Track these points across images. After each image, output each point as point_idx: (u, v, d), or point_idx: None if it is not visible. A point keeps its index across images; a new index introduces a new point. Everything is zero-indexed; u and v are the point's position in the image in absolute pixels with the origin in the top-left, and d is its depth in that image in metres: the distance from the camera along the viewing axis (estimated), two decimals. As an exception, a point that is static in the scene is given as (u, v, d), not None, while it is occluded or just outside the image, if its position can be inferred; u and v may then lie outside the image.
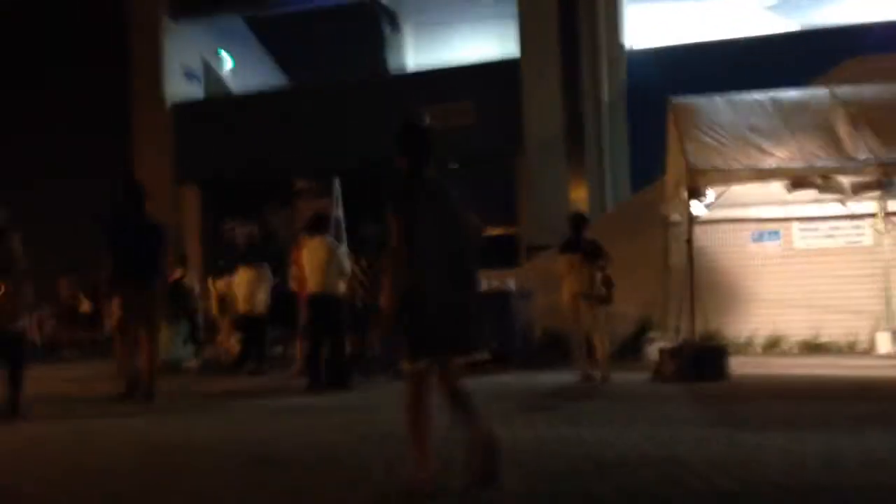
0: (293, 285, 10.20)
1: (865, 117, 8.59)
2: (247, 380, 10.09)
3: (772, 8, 19.17)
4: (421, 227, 3.64)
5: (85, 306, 14.86)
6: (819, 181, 8.30)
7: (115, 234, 7.59)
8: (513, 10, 16.88)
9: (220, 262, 12.14)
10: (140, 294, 7.41)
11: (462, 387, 3.73)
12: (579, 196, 15.57)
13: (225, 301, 12.01)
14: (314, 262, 8.84)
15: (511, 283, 11.02)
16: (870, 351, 10.19)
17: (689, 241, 8.54)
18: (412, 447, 3.70)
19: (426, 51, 20.83)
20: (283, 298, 10.96)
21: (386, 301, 3.74)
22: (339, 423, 6.14)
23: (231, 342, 12.08)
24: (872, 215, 10.26)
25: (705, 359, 8.16)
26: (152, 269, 7.51)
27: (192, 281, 12.68)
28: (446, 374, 3.70)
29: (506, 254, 16.26)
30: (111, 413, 7.28)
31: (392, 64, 20.47)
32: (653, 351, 9.63)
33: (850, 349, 10.37)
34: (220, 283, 12.26)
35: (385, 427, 5.88)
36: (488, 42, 19.75)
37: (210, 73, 20.20)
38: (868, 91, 9.14)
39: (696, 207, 8.68)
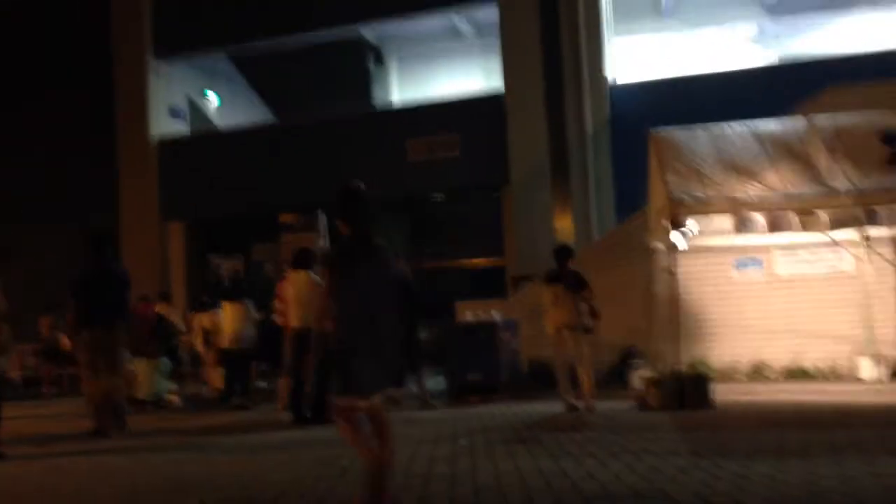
0: (278, 320, 10.18)
1: (843, 146, 8.73)
2: (231, 415, 10.02)
3: (751, 40, 19.50)
4: (347, 285, 4.21)
5: (65, 343, 14.76)
6: (796, 219, 8.39)
7: (79, 282, 8.25)
8: (496, 44, 17.10)
9: (203, 297, 12.12)
10: (104, 335, 8.11)
11: (384, 419, 4.34)
12: (565, 226, 15.67)
13: (209, 336, 11.98)
14: (299, 296, 8.85)
15: (497, 315, 11.04)
16: (851, 376, 10.24)
17: (672, 271, 8.59)
18: (363, 452, 4.28)
19: (411, 86, 21.01)
20: (268, 333, 10.93)
21: (314, 347, 4.55)
22: (321, 458, 6.11)
23: (215, 377, 12.03)
24: (853, 242, 10.35)
25: (689, 387, 8.17)
26: (115, 312, 8.22)
27: (176, 316, 12.65)
28: (371, 407, 4.27)
29: (492, 284, 16.32)
30: (91, 450, 7.23)
31: (377, 99, 20.64)
32: (637, 379, 9.65)
33: (832, 375, 10.44)
34: (205, 318, 12.24)
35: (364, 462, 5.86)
36: (472, 76, 19.97)
37: (196, 112, 20.28)
38: (844, 120, 9.29)
39: (678, 237, 8.76)
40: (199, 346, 12.41)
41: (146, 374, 11.28)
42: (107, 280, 8.27)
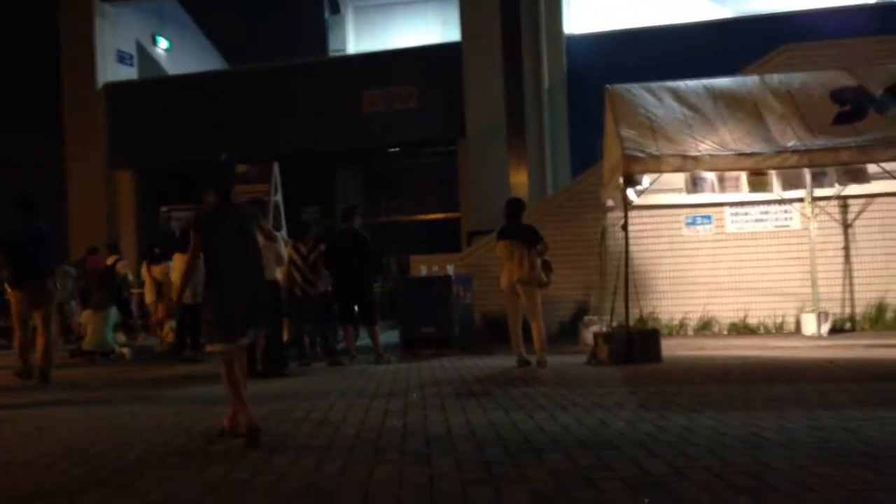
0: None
1: (793, 105, 8.84)
2: (182, 367, 9.94)
3: (708, -5, 19.52)
4: (216, 242, 5.03)
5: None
6: (746, 181, 8.51)
7: (6, 241, 8.78)
8: (454, -7, 16.87)
9: (155, 249, 11.92)
10: (34, 289, 8.67)
11: (242, 366, 5.21)
12: (520, 181, 15.66)
13: (161, 288, 11.82)
14: (250, 248, 8.72)
15: (451, 269, 11.06)
16: (796, 332, 10.53)
17: (625, 227, 8.67)
18: (234, 402, 5.12)
19: (367, 36, 20.67)
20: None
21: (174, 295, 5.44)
22: (273, 411, 6.09)
23: (166, 329, 11.90)
24: (801, 200, 10.55)
25: (638, 342, 8.32)
26: (42, 269, 8.77)
27: (126, 267, 12.44)
28: (237, 352, 5.13)
29: (447, 239, 16.33)
30: (38, 402, 7.13)
31: (332, 47, 20.26)
32: (589, 335, 9.79)
33: (777, 330, 10.71)
34: (156, 270, 12.06)
35: (317, 414, 5.87)
36: (430, 28, 19.69)
37: (145, 57, 19.67)
38: (796, 79, 9.39)
39: (631, 194, 8.82)
40: (151, 298, 12.24)
41: (94, 326, 11.10)
42: (33, 240, 8.74)
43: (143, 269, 12.51)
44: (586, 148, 14.25)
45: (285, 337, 9.44)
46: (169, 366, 10.17)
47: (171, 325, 11.81)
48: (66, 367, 10.69)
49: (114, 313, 11.46)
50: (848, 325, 10.63)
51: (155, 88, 19.07)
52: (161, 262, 12.15)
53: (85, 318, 11.39)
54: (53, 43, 18.30)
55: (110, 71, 18.65)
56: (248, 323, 5.12)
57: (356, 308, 9.74)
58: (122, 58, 18.97)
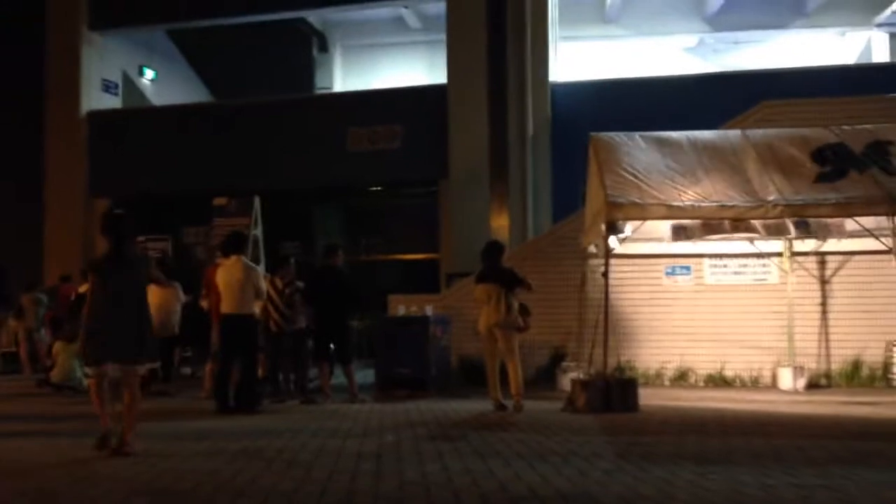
0: (205, 304, 9.93)
1: (775, 160, 8.93)
2: (152, 402, 9.71)
3: (690, 50, 19.90)
4: (108, 285, 5.94)
5: None
6: (728, 225, 8.54)
7: None
8: (442, 37, 17.02)
9: None
10: None
11: (134, 392, 6.00)
12: (501, 224, 15.66)
13: None
14: (229, 282, 8.62)
15: (429, 310, 10.98)
16: (772, 386, 10.52)
17: (606, 274, 8.65)
18: (100, 417, 5.94)
19: (354, 75, 20.79)
20: (194, 318, 10.66)
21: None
22: (243, 449, 5.95)
23: None
24: (779, 254, 10.62)
25: (616, 390, 8.26)
26: None
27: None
28: (125, 377, 5.98)
29: (426, 279, 16.25)
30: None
31: (319, 85, 20.35)
32: (566, 381, 9.72)
33: (753, 384, 10.70)
34: None
35: (288, 454, 5.74)
36: (417, 70, 19.86)
37: (130, 87, 19.62)
38: (777, 134, 9.50)
39: (612, 241, 8.83)
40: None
41: (64, 358, 10.86)
42: None
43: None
44: (568, 194, 14.35)
45: (259, 372, 9.29)
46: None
47: None
48: (33, 397, 10.47)
49: None
50: (823, 381, 10.63)
51: (138, 118, 18.99)
52: None
53: (56, 348, 11.15)
54: (39, 67, 18.21)
55: (94, 99, 18.56)
56: (119, 354, 5.91)
57: (333, 346, 9.63)
58: (108, 86, 18.90)
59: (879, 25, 18.26)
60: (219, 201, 13.25)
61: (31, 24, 18.22)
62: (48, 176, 18.14)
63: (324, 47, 20.69)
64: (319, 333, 9.67)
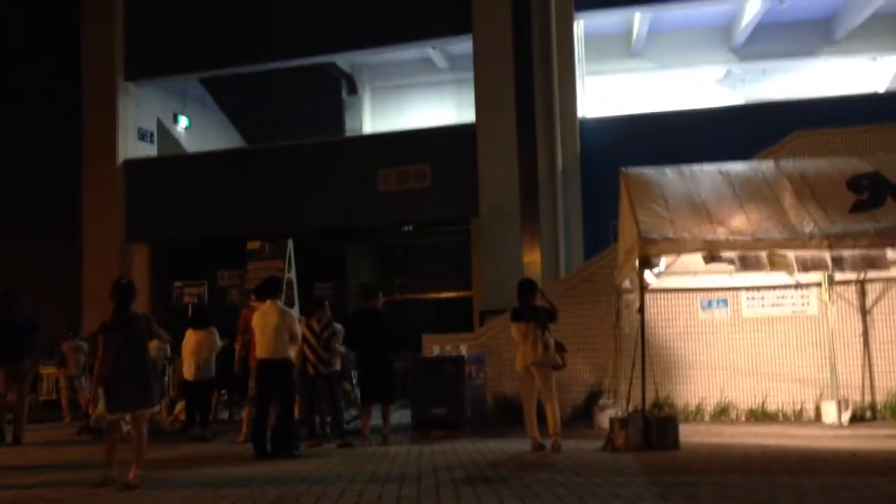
0: (239, 350, 10.01)
1: (810, 191, 8.84)
2: (190, 446, 9.78)
3: (718, 81, 19.87)
4: (112, 342, 6.95)
5: None
6: (765, 259, 8.42)
7: None
8: (470, 77, 17.18)
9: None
10: (13, 370, 10.75)
11: (140, 433, 6.93)
12: (533, 261, 15.64)
13: (155, 364, 11.68)
14: (265, 326, 8.69)
15: (463, 349, 10.96)
16: (815, 420, 10.30)
17: (641, 309, 8.58)
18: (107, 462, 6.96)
19: (383, 116, 21.03)
20: (231, 362, 10.73)
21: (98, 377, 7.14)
22: (281, 496, 5.94)
23: (178, 408, 11.77)
24: (818, 285, 10.47)
25: (656, 428, 8.14)
26: (21, 353, 10.81)
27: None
28: (133, 421, 6.96)
29: (459, 317, 16.23)
30: (39, 483, 6.99)
31: (349, 128, 20.60)
32: (604, 419, 9.62)
33: (796, 418, 10.49)
34: (150, 346, 11.93)
35: (328, 501, 5.72)
36: (445, 109, 20.04)
37: (165, 135, 20.03)
38: (811, 165, 9.42)
39: (647, 276, 8.77)
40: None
41: (102, 405, 10.97)
42: (13, 328, 10.78)
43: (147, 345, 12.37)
44: (599, 229, 14.31)
45: (296, 415, 9.30)
46: (176, 445, 10.00)
47: (180, 403, 11.69)
48: (73, 444, 10.56)
49: None
50: (868, 414, 10.39)
51: (173, 165, 19.34)
52: (154, 338, 12.04)
53: (100, 394, 11.27)
54: (76, 117, 18.66)
55: (130, 147, 18.94)
56: (127, 403, 6.89)
57: (376, 387, 9.65)
58: (143, 135, 19.30)
59: (910, 51, 18.12)
60: (252, 245, 13.40)
61: (68, 74, 18.71)
62: (85, 224, 18.48)
63: (353, 90, 20.98)
64: (364, 376, 9.71)
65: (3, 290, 11.00)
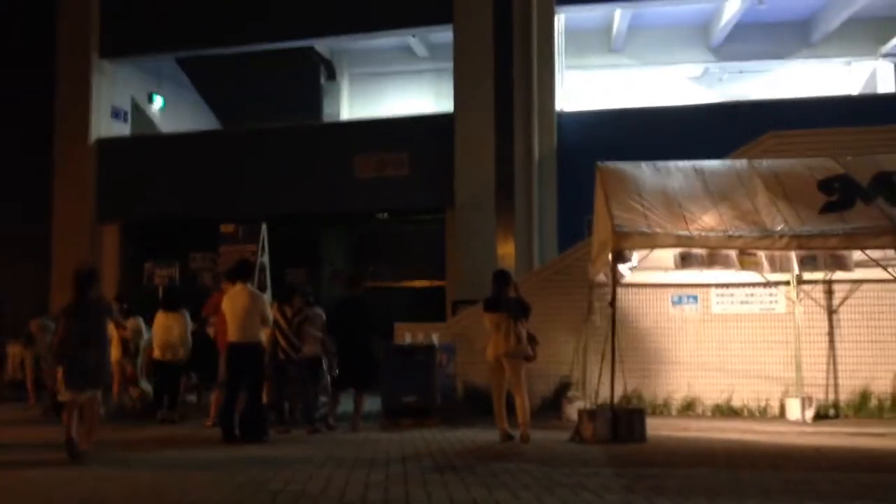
0: (211, 332, 9.93)
1: (782, 190, 8.95)
2: (157, 429, 9.71)
3: (695, 80, 20.01)
4: (72, 322, 7.39)
5: None
6: (735, 258, 8.53)
7: None
8: (449, 65, 17.15)
9: (123, 304, 11.70)
10: None
11: (93, 409, 7.48)
12: (507, 252, 15.68)
13: (127, 345, 11.57)
14: (236, 309, 8.64)
15: (435, 338, 10.97)
16: (780, 416, 10.45)
17: (613, 303, 8.63)
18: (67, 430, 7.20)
19: (361, 103, 20.91)
20: (201, 345, 10.66)
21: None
22: (249, 480, 5.92)
23: (138, 388, 11.67)
24: (786, 283, 10.61)
25: (623, 421, 8.21)
26: None
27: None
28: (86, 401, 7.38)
29: (432, 307, 16.24)
30: (4, 462, 6.91)
31: (327, 113, 20.47)
32: (573, 411, 9.69)
33: (761, 414, 10.63)
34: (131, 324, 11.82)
35: (295, 486, 5.71)
36: (424, 97, 19.97)
37: (139, 114, 19.77)
38: (784, 165, 9.52)
39: (621, 270, 8.83)
40: (116, 355, 11.94)
41: None
42: None
43: (111, 326, 12.18)
44: (574, 222, 14.36)
45: (264, 400, 9.26)
46: (143, 427, 9.93)
47: (143, 385, 11.60)
48: (39, 425, 10.45)
49: None
50: (832, 412, 10.55)
51: (147, 145, 19.12)
52: (129, 318, 11.92)
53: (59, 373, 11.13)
54: (49, 93, 18.37)
55: (103, 126, 18.69)
56: (85, 383, 7.33)
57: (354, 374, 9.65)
58: (117, 113, 19.03)
59: (885, 56, 18.34)
60: (226, 228, 13.31)
61: (41, 50, 18.40)
62: (56, 202, 18.23)
63: (331, 75, 20.84)
64: (343, 363, 9.70)
65: None
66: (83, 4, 18.62)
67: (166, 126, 20.16)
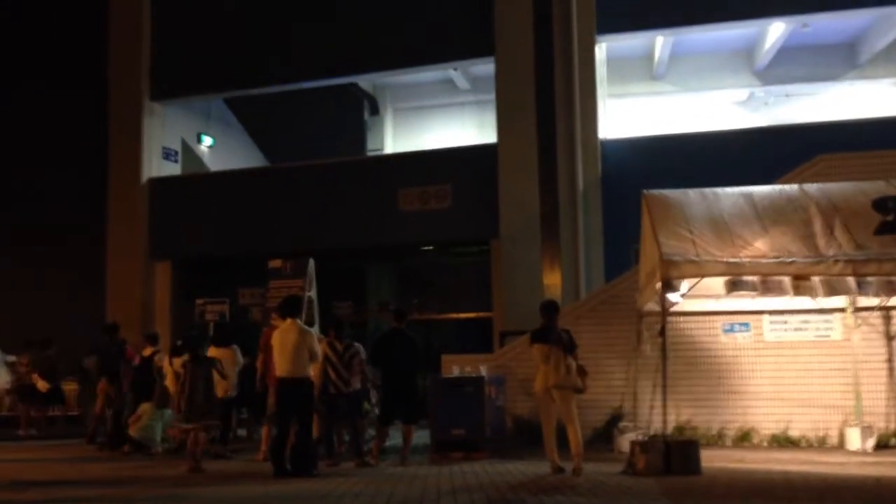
0: (259, 368, 10.04)
1: (834, 213, 8.77)
2: (209, 464, 9.79)
3: (740, 104, 19.83)
4: None
5: (41, 385, 14.56)
6: (788, 284, 8.34)
7: None
8: (491, 97, 17.25)
9: (178, 340, 11.91)
10: None
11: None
12: (553, 282, 15.60)
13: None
14: (285, 344, 8.72)
15: (483, 370, 10.93)
16: (839, 446, 10.16)
17: (663, 332, 8.53)
18: None
19: (405, 137, 21.13)
20: (251, 380, 10.77)
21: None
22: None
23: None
24: (842, 310, 10.36)
25: (677, 452, 8.06)
26: None
27: (162, 360, 12.37)
28: None
29: (479, 338, 16.19)
30: (64, 498, 7.03)
31: (371, 147, 20.72)
32: (624, 442, 9.54)
33: (820, 444, 10.35)
34: (178, 362, 12.00)
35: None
36: (467, 130, 20.12)
37: (189, 154, 20.24)
38: (836, 188, 9.34)
39: (670, 298, 8.72)
40: (171, 389, 12.13)
41: (146, 419, 11.21)
42: None
43: (165, 362, 12.39)
44: (620, 251, 14.25)
45: (314, 434, 9.30)
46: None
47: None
48: (93, 461, 10.61)
49: (168, 414, 11.42)
50: (893, 441, 10.24)
51: (197, 184, 19.53)
52: (183, 354, 12.10)
53: (142, 409, 11.40)
54: (103, 136, 18.90)
55: (155, 166, 19.15)
56: None
57: (400, 408, 9.67)
58: (168, 154, 19.51)
59: (934, 74, 18.01)
60: (274, 263, 13.46)
61: (95, 94, 18.99)
62: (110, 240, 18.67)
63: (375, 110, 21.12)
64: (386, 397, 9.72)
65: None
66: (133, 49, 19.18)
67: (215, 165, 20.58)
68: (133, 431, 11.17)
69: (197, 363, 9.47)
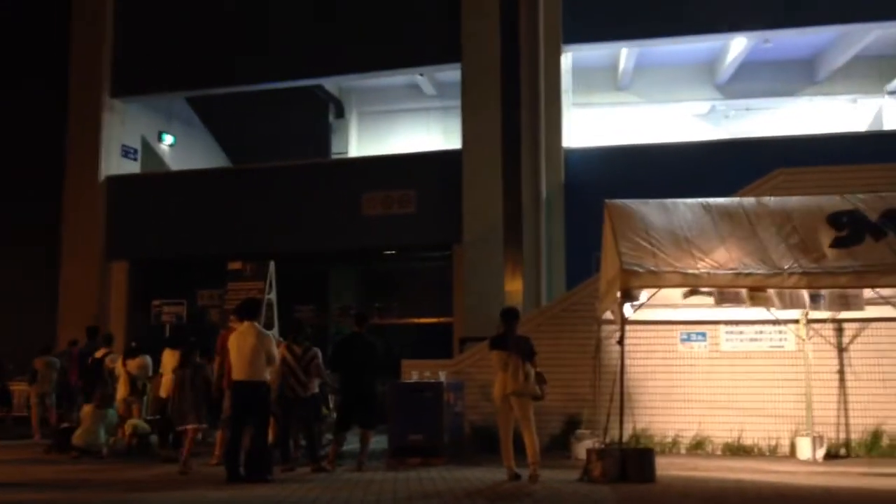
0: (215, 371, 9.91)
1: (791, 226, 8.91)
2: (161, 467, 9.64)
3: (701, 117, 20.11)
4: None
5: None
6: (745, 294, 8.46)
7: None
8: (457, 103, 17.28)
9: (132, 342, 11.73)
10: None
11: None
12: (515, 289, 15.64)
13: (135, 383, 11.59)
14: (242, 348, 8.60)
15: (443, 375, 10.90)
16: (791, 455, 10.32)
17: (622, 341, 8.58)
18: None
19: (369, 141, 21.08)
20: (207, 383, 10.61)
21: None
22: (254, 521, 5.86)
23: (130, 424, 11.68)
24: (796, 321, 10.53)
25: (632, 460, 8.12)
26: None
27: (114, 362, 12.18)
28: None
29: (439, 344, 16.17)
30: (13, 501, 6.86)
31: (335, 150, 20.63)
32: (581, 449, 9.59)
33: (771, 453, 10.50)
34: (132, 364, 11.83)
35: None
36: (432, 135, 20.13)
37: (149, 153, 19.96)
38: (793, 202, 9.48)
39: (627, 308, 8.78)
40: (124, 393, 11.94)
41: (90, 422, 10.95)
42: None
43: (119, 363, 12.18)
44: (582, 259, 14.34)
45: (270, 438, 9.20)
46: (148, 466, 9.86)
47: (134, 422, 11.57)
48: (41, 463, 10.39)
49: (111, 414, 11.22)
50: (843, 451, 10.42)
51: (156, 183, 19.27)
52: (137, 356, 11.93)
53: (84, 411, 11.16)
54: (60, 132, 18.57)
55: (114, 164, 18.87)
56: None
57: (358, 412, 9.58)
58: (127, 152, 19.23)
59: (891, 93, 18.43)
60: (234, 265, 13.34)
61: (55, 90, 18.66)
62: (65, 239, 18.35)
63: (340, 113, 21.04)
64: (345, 401, 9.63)
65: None
66: (95, 45, 18.90)
67: (176, 164, 20.33)
68: (76, 440, 10.92)
69: (190, 368, 9.36)
